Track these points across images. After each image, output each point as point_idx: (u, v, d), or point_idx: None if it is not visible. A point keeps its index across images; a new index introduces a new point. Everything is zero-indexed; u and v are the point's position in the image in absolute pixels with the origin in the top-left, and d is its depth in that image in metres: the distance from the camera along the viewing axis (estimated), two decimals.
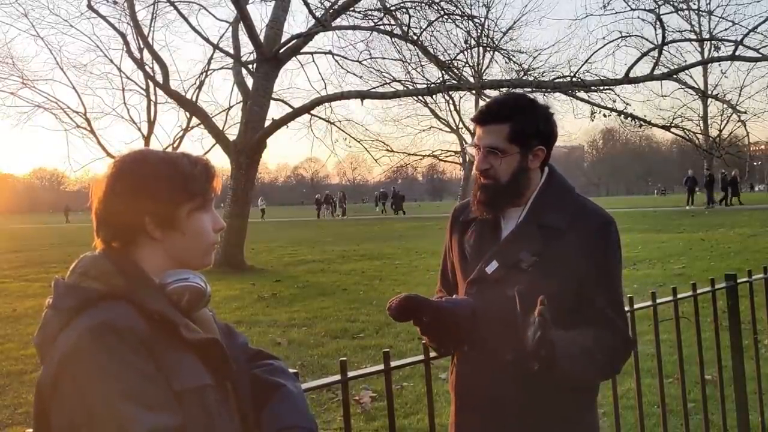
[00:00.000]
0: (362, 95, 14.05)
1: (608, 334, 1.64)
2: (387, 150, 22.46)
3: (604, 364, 1.65)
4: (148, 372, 1.10)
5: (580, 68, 12.94)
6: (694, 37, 16.58)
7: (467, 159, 35.35)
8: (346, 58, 15.88)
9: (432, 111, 34.68)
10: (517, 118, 1.67)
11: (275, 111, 22.84)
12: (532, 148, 1.69)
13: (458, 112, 35.61)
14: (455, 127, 36.03)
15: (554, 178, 1.75)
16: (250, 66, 14.71)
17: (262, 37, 13.83)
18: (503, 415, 1.66)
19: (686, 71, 15.60)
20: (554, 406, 1.65)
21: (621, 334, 1.68)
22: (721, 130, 31.80)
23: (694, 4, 14.64)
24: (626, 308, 2.42)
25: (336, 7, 13.74)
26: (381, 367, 1.82)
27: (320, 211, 43.70)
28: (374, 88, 15.70)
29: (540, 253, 1.64)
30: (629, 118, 13.20)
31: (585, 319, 1.65)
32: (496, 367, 1.65)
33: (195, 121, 18.30)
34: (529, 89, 13.32)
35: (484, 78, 17.65)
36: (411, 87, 15.73)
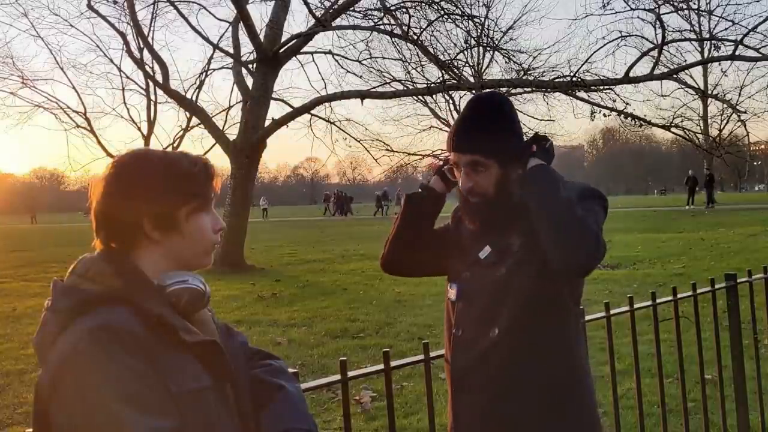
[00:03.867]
0: (362, 95, 14.04)
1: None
2: (387, 150, 22.45)
3: (577, 219, 1.58)
4: (146, 375, 1.09)
5: (580, 68, 12.96)
6: (694, 36, 16.58)
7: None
8: (346, 57, 15.89)
9: (432, 111, 34.61)
10: (484, 132, 1.70)
11: (275, 111, 22.91)
12: (508, 153, 1.71)
13: (458, 112, 35.48)
14: None
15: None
16: (250, 66, 14.71)
17: (262, 37, 13.83)
18: (495, 393, 1.70)
19: (686, 71, 15.62)
20: (545, 380, 1.68)
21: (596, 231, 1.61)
22: (721, 130, 31.78)
23: (694, 3, 14.65)
24: (625, 308, 2.44)
25: (336, 6, 13.73)
26: (381, 367, 1.82)
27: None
28: (374, 87, 15.68)
29: (527, 233, 1.68)
30: (629, 118, 13.20)
31: None
32: (485, 347, 1.70)
33: (195, 121, 18.32)
34: (529, 89, 13.34)
35: (484, 78, 17.65)
36: (411, 87, 15.71)
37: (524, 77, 14.44)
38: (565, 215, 1.59)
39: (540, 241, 1.63)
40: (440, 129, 36.25)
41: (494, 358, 1.68)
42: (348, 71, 16.50)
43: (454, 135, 1.74)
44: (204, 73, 17.88)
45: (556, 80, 13.31)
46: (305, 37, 13.94)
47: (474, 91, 14.00)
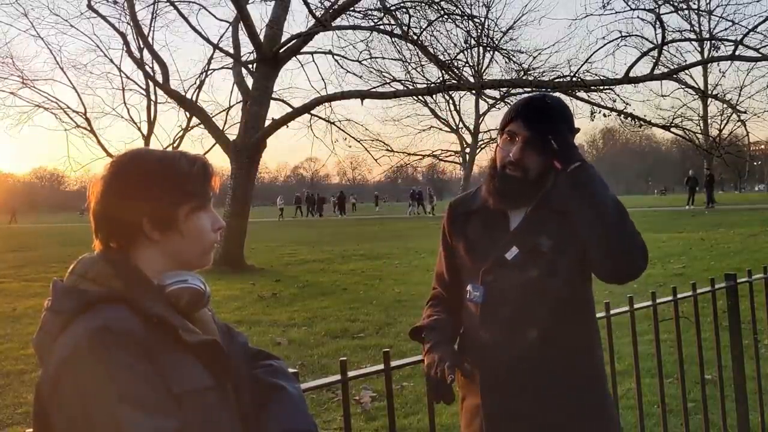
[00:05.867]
0: (362, 95, 14.04)
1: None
2: (387, 150, 22.50)
3: (627, 223, 1.65)
4: (147, 375, 1.09)
5: (580, 68, 12.95)
6: (694, 37, 16.61)
7: (467, 158, 35.44)
8: (346, 58, 15.91)
9: (432, 111, 34.74)
10: (558, 122, 1.73)
11: (275, 111, 22.92)
12: (560, 153, 1.73)
13: (458, 112, 35.59)
14: (455, 127, 36.08)
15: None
16: (250, 66, 14.71)
17: (262, 37, 13.83)
18: (532, 395, 1.69)
19: (686, 71, 15.63)
20: (579, 380, 1.71)
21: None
22: (721, 130, 31.87)
23: (694, 4, 14.67)
24: (625, 308, 2.44)
25: (336, 7, 13.73)
26: (381, 367, 1.82)
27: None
28: (374, 88, 15.69)
29: (556, 235, 1.70)
30: (629, 118, 13.20)
31: None
32: (521, 349, 1.69)
33: (195, 121, 18.36)
34: (529, 89, 13.33)
35: (484, 78, 17.65)
36: (411, 87, 15.72)
37: (524, 77, 14.43)
38: (618, 222, 1.63)
39: (577, 243, 1.66)
40: (440, 129, 36.34)
41: (532, 361, 1.68)
42: (348, 71, 16.57)
43: (527, 106, 1.74)
44: (204, 73, 17.92)
45: (556, 80, 13.30)
46: (305, 37, 13.94)
47: (474, 92, 14.02)
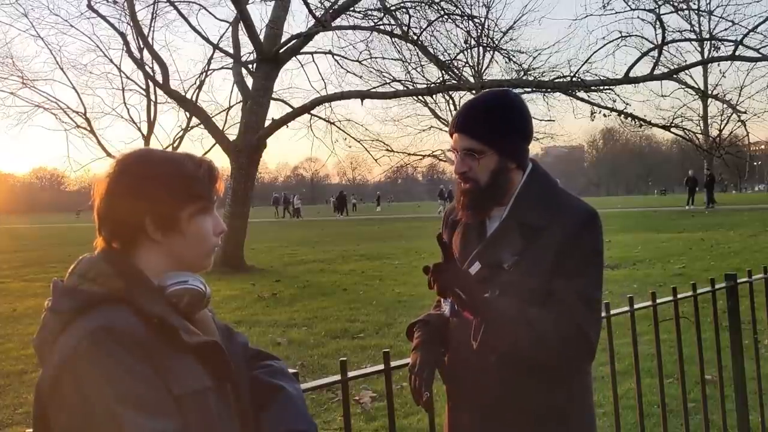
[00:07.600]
0: (362, 95, 14.04)
1: (562, 319, 1.54)
2: (387, 150, 22.45)
3: (542, 338, 1.54)
4: (146, 376, 1.09)
5: (580, 68, 12.99)
6: (694, 37, 16.58)
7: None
8: (346, 58, 15.90)
9: (432, 111, 34.65)
10: (491, 120, 1.66)
11: (275, 111, 22.85)
12: (507, 147, 1.68)
13: None
14: None
15: (536, 175, 1.73)
16: (250, 66, 14.71)
17: (262, 37, 13.83)
18: (493, 415, 1.66)
19: (686, 71, 15.64)
20: (544, 405, 1.63)
21: (576, 325, 1.55)
22: (721, 130, 31.83)
23: (694, 4, 14.65)
24: (625, 308, 2.44)
25: (336, 7, 13.74)
26: (381, 367, 1.82)
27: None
28: (374, 88, 15.69)
29: (521, 252, 1.62)
30: (629, 118, 13.22)
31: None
32: (482, 368, 1.65)
33: (195, 121, 18.32)
34: (529, 89, 13.34)
35: (484, 78, 17.67)
36: (411, 87, 15.72)
37: (524, 77, 14.46)
38: (535, 356, 1.57)
39: (545, 263, 1.59)
40: (440, 129, 36.32)
41: (492, 380, 1.64)
42: (348, 71, 16.53)
43: (457, 117, 1.70)
44: (204, 74, 17.90)
45: (556, 80, 13.32)
46: (305, 38, 13.94)
47: (474, 92, 14.01)
